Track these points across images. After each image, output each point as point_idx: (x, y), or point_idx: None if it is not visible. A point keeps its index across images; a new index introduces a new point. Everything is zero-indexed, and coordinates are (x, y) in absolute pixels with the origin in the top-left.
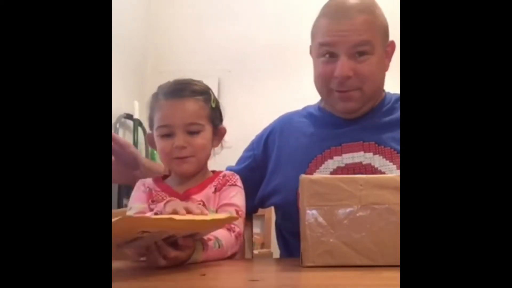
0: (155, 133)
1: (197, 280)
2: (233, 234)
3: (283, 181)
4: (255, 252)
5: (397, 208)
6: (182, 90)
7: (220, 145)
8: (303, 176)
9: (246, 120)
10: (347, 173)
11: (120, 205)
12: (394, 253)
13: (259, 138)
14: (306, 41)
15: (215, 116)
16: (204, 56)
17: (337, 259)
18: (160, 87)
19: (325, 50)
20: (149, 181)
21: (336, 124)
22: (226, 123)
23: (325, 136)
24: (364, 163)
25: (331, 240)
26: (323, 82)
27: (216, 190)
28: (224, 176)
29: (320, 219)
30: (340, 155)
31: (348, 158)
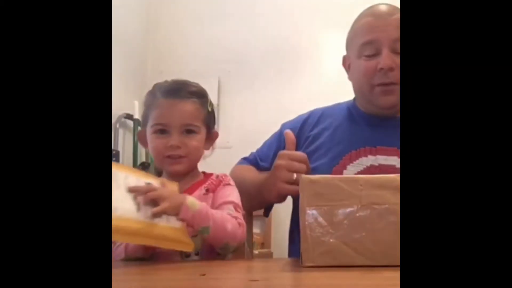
0: (149, 130)
1: (197, 280)
2: (235, 220)
3: (314, 168)
4: (255, 252)
5: (397, 208)
6: (181, 90)
7: (210, 148)
8: (303, 176)
9: (246, 120)
10: (380, 173)
11: None
12: (394, 253)
13: (290, 127)
14: (305, 42)
15: (210, 119)
16: (204, 56)
17: (337, 259)
18: (157, 85)
19: (368, 48)
20: None
21: (371, 125)
22: (226, 123)
23: (361, 136)
24: (397, 167)
25: (331, 240)
26: (366, 78)
27: (208, 191)
28: (217, 177)
29: (320, 219)
30: (375, 155)
31: (382, 159)
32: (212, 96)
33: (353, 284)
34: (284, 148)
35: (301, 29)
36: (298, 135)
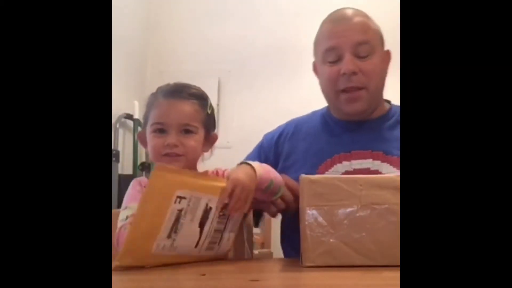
0: (148, 130)
1: (197, 280)
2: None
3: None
4: (255, 252)
5: (397, 208)
6: (181, 91)
7: (210, 151)
8: (303, 176)
9: (246, 120)
10: None
11: (120, 205)
12: (394, 253)
13: (269, 138)
14: (305, 41)
15: (209, 122)
16: (204, 56)
17: (337, 259)
18: (159, 88)
19: (330, 54)
20: (144, 180)
21: (346, 130)
22: (226, 123)
23: (335, 143)
24: (372, 169)
25: (331, 240)
26: (331, 84)
27: None
28: (215, 172)
29: (320, 219)
30: (349, 160)
31: (357, 164)
32: (212, 96)
33: (353, 284)
34: (262, 161)
35: (301, 29)
36: (276, 147)
